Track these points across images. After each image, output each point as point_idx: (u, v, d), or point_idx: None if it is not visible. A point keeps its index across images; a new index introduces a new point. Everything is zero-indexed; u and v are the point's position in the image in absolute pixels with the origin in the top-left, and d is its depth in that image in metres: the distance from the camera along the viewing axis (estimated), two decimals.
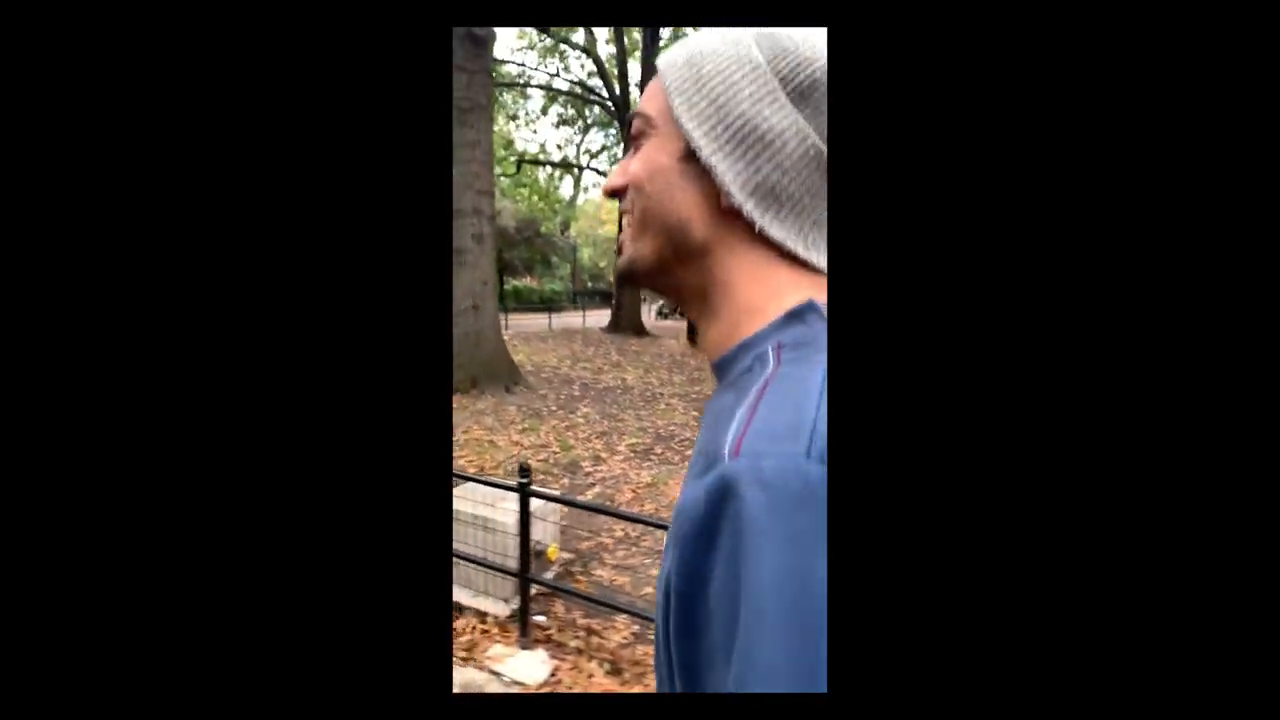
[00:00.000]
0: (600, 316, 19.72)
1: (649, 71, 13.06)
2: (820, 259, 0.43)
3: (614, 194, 0.48)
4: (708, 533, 0.32)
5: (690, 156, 0.43)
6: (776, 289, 0.42)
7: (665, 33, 13.64)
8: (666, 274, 0.46)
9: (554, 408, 6.61)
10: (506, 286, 21.05)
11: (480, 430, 5.48)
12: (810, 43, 0.43)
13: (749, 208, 0.42)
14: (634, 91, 14.75)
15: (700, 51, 0.44)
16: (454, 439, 5.11)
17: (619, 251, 0.48)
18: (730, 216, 0.42)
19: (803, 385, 0.35)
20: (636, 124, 0.46)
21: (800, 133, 0.41)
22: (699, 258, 0.44)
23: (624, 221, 0.48)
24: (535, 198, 21.07)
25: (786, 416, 0.33)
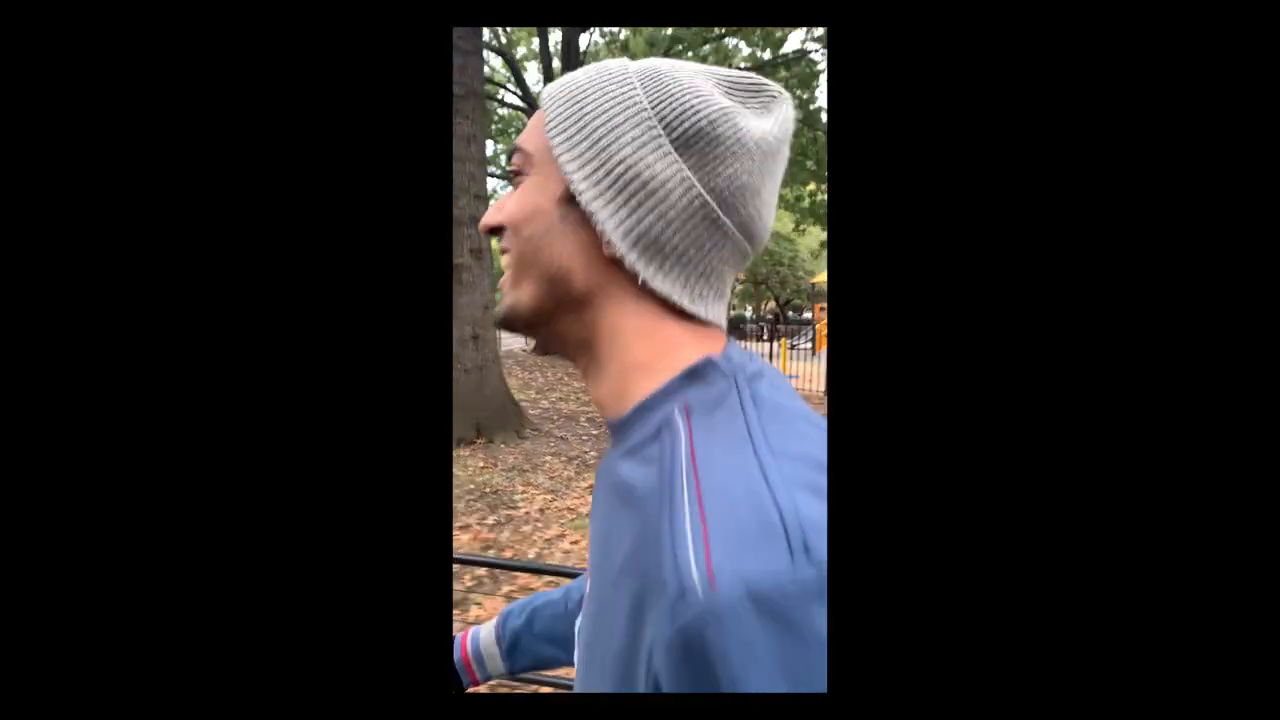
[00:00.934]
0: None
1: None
2: (709, 312, 0.42)
3: (492, 231, 0.44)
4: (700, 678, 0.27)
5: (570, 200, 0.40)
6: (667, 344, 0.40)
7: (588, 38, 12.70)
8: (548, 323, 0.43)
9: (589, 451, 5.53)
10: None
11: (542, 494, 4.35)
12: (695, 88, 0.40)
13: (631, 258, 0.39)
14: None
15: (583, 88, 0.41)
16: (521, 515, 3.99)
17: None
18: (613, 266, 0.40)
19: (743, 470, 0.32)
20: (516, 159, 0.43)
21: (684, 182, 0.39)
22: (581, 307, 0.41)
23: (504, 261, 0.45)
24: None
25: (747, 517, 0.29)
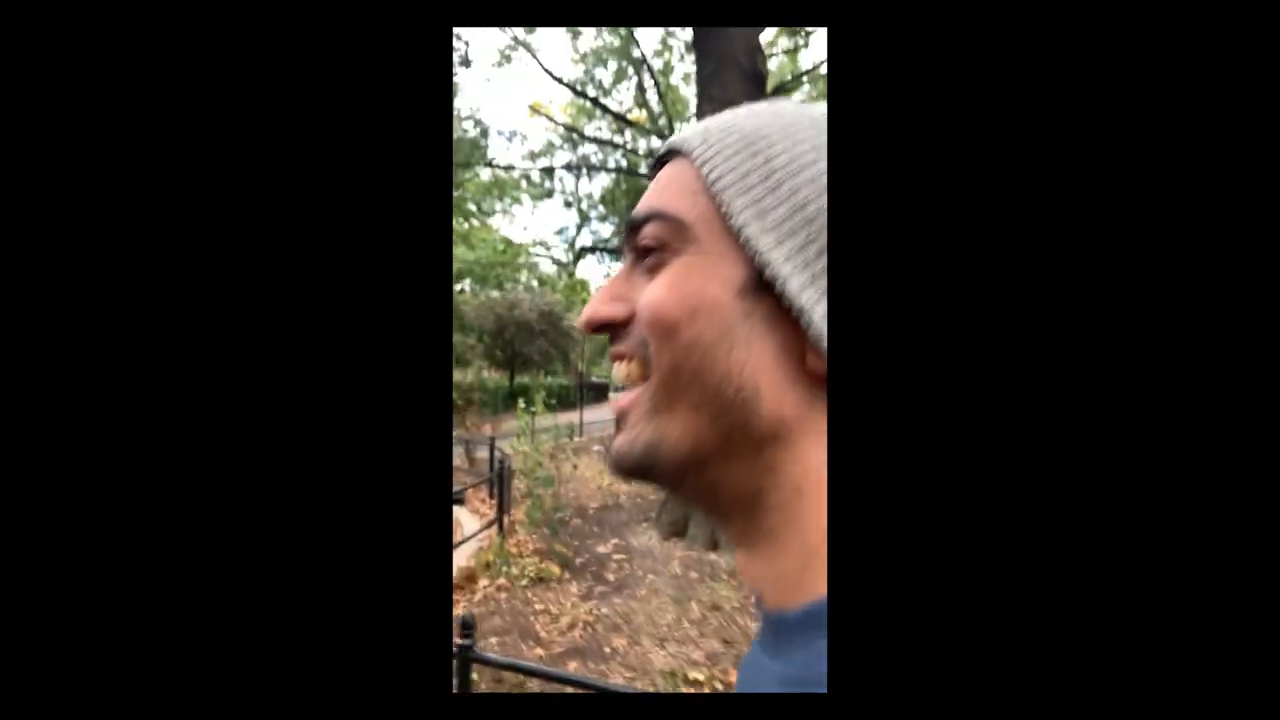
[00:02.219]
0: (597, 413, 17.28)
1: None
2: None
3: (603, 328, 0.33)
4: None
5: (760, 289, 0.29)
6: None
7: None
8: (703, 469, 0.30)
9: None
10: (517, 383, 18.73)
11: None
12: None
13: None
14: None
15: (760, 134, 0.31)
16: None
17: (617, 420, 0.33)
18: (817, 386, 0.29)
19: None
20: (653, 230, 0.31)
21: None
22: (760, 448, 0.29)
23: (621, 371, 0.33)
24: (537, 283, 19.39)
25: None
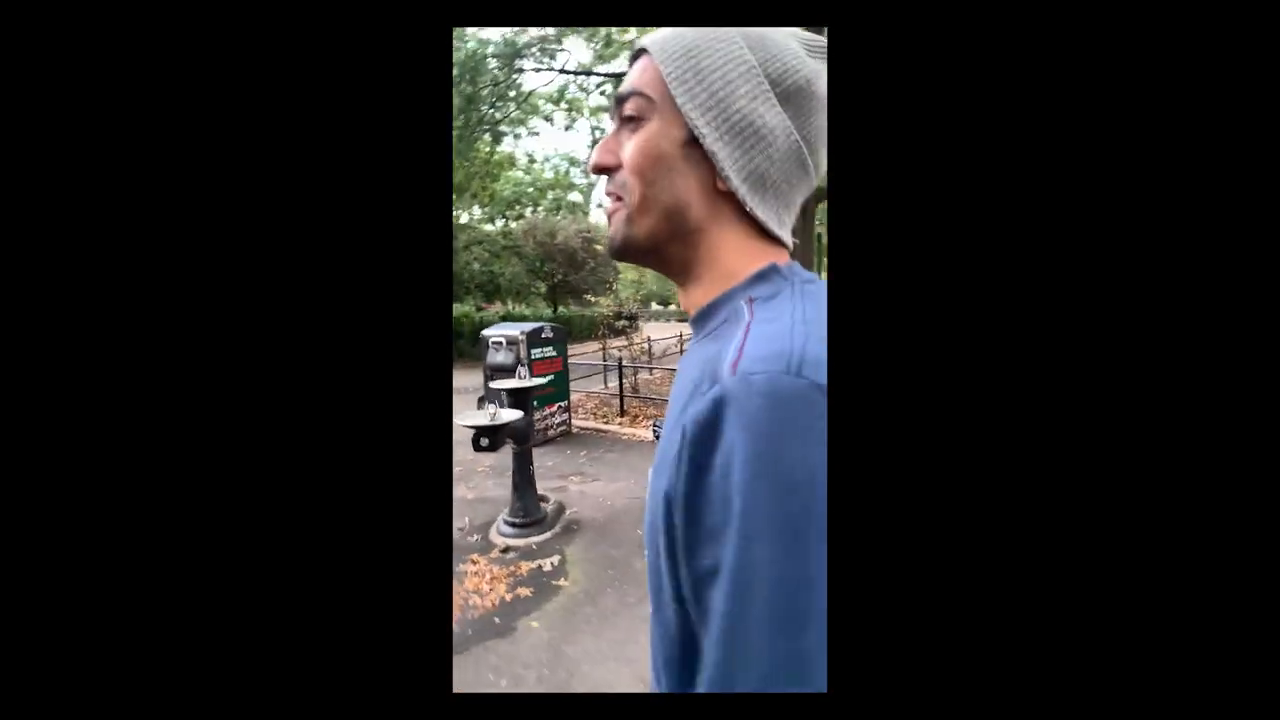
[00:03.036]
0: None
1: None
2: (785, 234, 0.50)
3: (603, 170, 0.50)
4: (710, 433, 0.36)
5: (691, 143, 0.47)
6: (751, 258, 0.48)
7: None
8: (659, 250, 0.49)
9: None
10: (561, 312, 18.77)
11: None
12: (793, 50, 0.47)
13: (743, 191, 0.47)
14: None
15: (698, 47, 0.47)
16: None
17: (609, 222, 0.51)
18: (723, 198, 0.47)
19: (779, 324, 0.41)
20: (635, 103, 0.48)
21: (786, 129, 0.47)
22: (692, 235, 0.48)
23: (610, 199, 0.50)
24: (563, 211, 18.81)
25: (770, 346, 0.38)
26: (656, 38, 0.48)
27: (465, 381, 10.97)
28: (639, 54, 0.50)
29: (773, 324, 0.41)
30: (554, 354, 6.09)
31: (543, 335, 5.96)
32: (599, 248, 17.31)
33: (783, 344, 0.38)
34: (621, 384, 7.39)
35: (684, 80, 0.46)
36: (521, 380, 3.93)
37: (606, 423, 6.65)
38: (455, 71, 9.54)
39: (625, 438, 6.10)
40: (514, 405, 3.63)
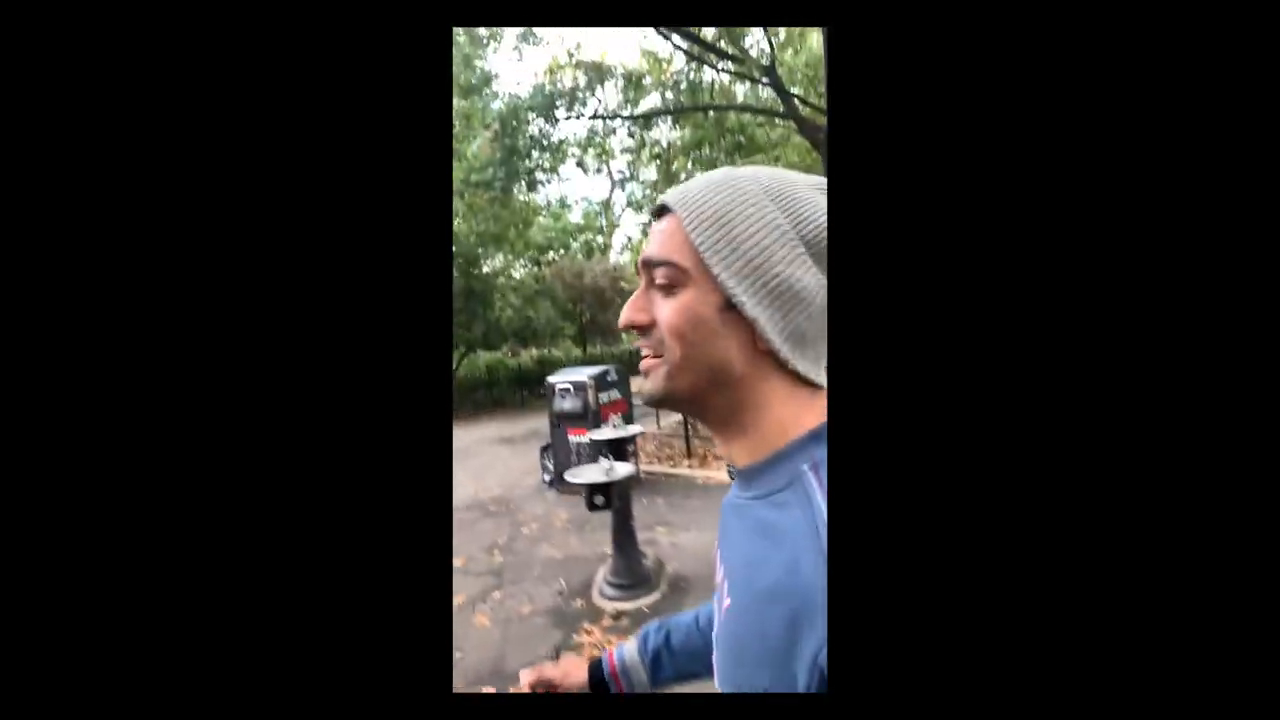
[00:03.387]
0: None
1: None
2: (823, 378, 0.49)
3: (635, 329, 0.51)
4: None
5: (729, 308, 0.47)
6: (799, 409, 0.48)
7: None
8: (700, 401, 0.50)
9: None
10: (590, 352, 18.61)
11: None
12: (820, 206, 0.48)
13: (785, 351, 0.47)
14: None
15: (729, 213, 0.47)
16: None
17: (645, 375, 0.52)
18: (765, 355, 0.48)
19: None
20: (668, 273, 0.48)
21: (821, 286, 0.47)
22: (735, 388, 0.49)
23: (645, 352, 0.51)
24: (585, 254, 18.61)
25: None
26: (681, 198, 0.49)
27: (512, 430, 10.81)
28: (661, 211, 0.51)
29: None
30: (619, 396, 5.89)
31: (608, 379, 5.78)
32: (625, 285, 17.21)
33: None
34: (687, 423, 7.14)
35: (719, 251, 0.47)
36: (618, 430, 3.72)
37: (675, 465, 6.40)
38: (497, 125, 9.67)
39: (700, 481, 5.83)
40: (616, 456, 3.41)
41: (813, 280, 0.47)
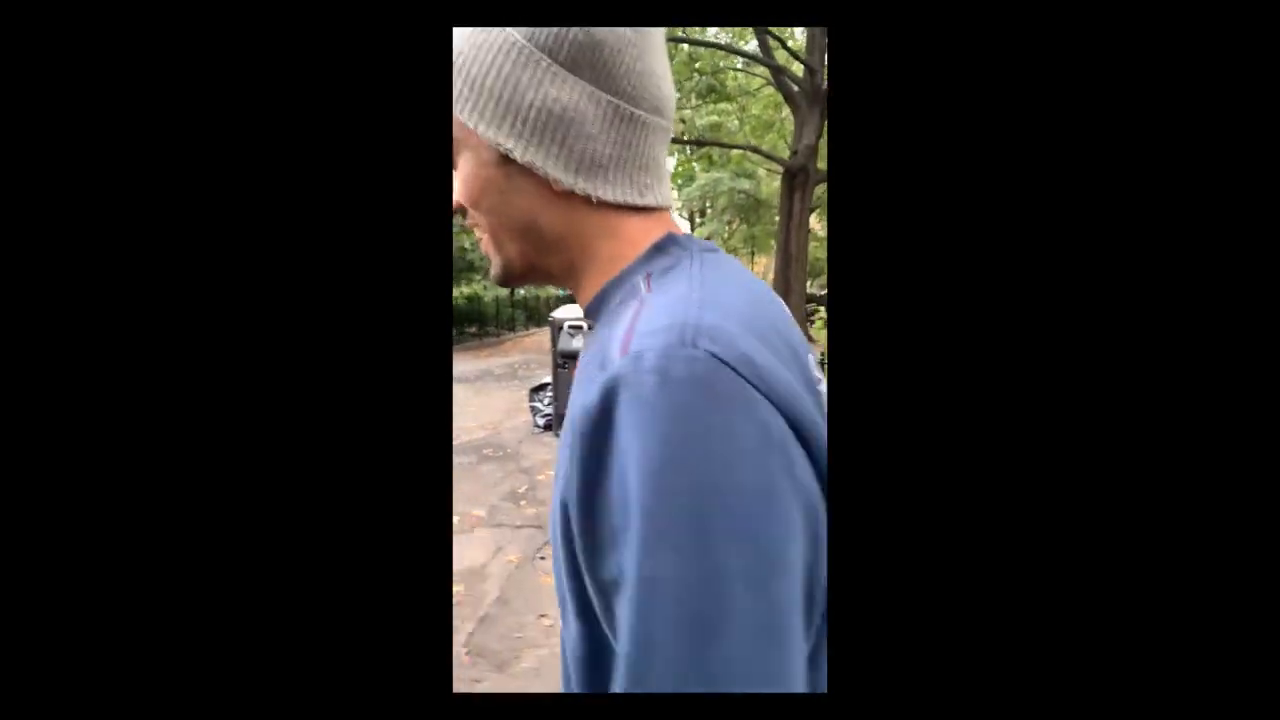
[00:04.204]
0: None
1: None
2: (656, 197, 0.45)
3: (458, 212, 0.48)
4: (602, 425, 0.33)
5: (506, 159, 0.43)
6: (632, 238, 0.45)
7: None
8: (538, 267, 0.47)
9: None
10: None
11: None
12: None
13: (580, 184, 0.43)
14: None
15: (463, 55, 0.43)
16: None
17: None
18: (568, 197, 0.43)
19: (674, 293, 0.38)
20: (454, 146, 0.45)
21: (592, 97, 0.42)
22: (558, 241, 0.45)
23: (477, 232, 0.48)
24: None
25: (664, 318, 0.35)
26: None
27: (486, 366, 10.42)
28: None
29: (667, 294, 0.38)
30: None
31: None
32: None
33: (676, 315, 0.35)
34: None
35: (467, 100, 0.43)
36: None
37: None
38: None
39: None
40: None
41: (576, 94, 0.41)
